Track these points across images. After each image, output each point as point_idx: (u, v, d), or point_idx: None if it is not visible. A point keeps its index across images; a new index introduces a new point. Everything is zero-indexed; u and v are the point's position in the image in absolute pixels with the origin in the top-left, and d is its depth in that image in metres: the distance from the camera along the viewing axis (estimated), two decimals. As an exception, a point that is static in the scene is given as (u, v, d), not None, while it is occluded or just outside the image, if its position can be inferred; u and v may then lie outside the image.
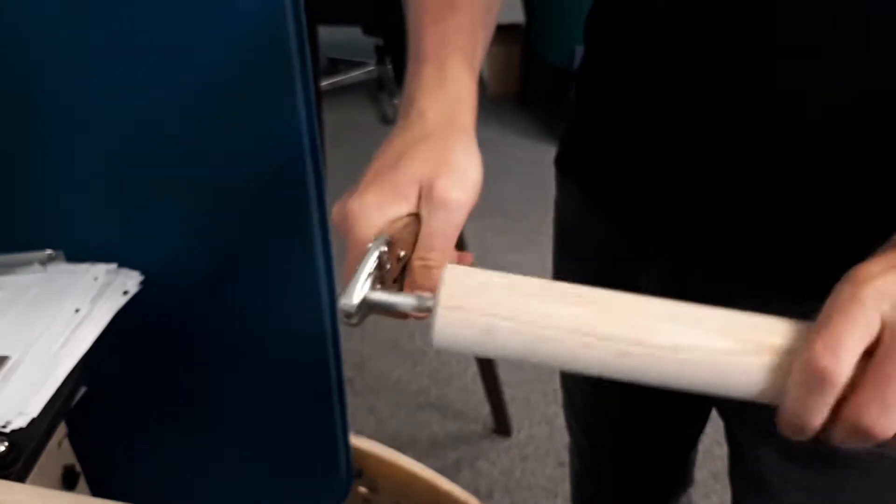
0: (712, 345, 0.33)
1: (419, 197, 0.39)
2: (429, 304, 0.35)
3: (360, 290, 0.35)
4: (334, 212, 0.40)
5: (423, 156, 0.40)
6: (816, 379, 0.31)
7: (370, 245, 0.36)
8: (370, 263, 0.36)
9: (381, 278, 0.37)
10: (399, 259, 0.39)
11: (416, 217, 0.39)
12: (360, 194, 0.39)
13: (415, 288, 0.38)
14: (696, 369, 0.34)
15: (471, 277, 0.34)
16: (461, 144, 0.41)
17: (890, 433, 0.31)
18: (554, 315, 0.33)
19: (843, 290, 0.32)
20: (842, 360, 0.30)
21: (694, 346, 0.33)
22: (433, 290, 0.37)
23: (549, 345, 0.33)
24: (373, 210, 0.38)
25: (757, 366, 0.33)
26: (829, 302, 0.32)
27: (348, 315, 0.35)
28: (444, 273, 0.34)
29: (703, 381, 0.34)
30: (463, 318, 0.33)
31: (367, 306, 0.36)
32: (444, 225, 0.38)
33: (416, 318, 0.38)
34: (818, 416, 0.32)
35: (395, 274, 0.39)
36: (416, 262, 0.38)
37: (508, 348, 0.33)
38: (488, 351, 0.34)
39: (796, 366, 0.32)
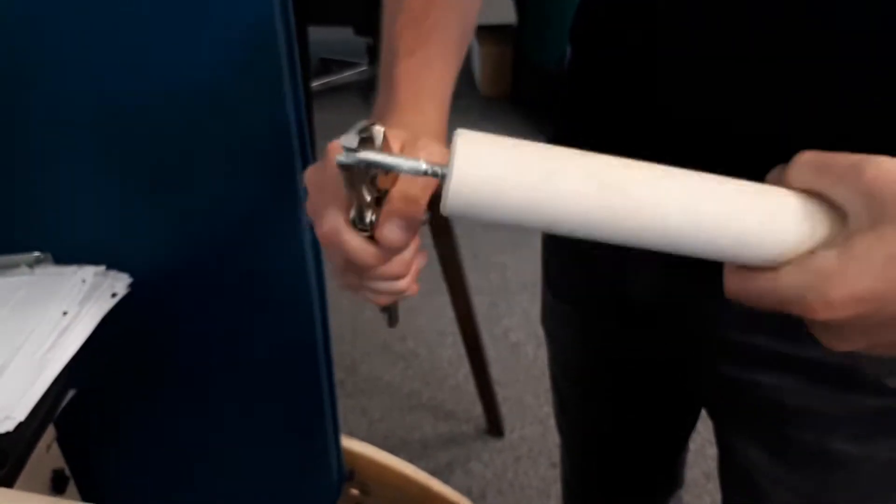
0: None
1: (402, 150, 0.40)
2: (426, 167, 0.35)
3: (355, 135, 0.35)
4: (309, 171, 0.40)
5: (404, 129, 0.41)
6: (812, 303, 0.32)
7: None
8: (362, 124, 0.35)
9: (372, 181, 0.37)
10: (378, 203, 0.38)
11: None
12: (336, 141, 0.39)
13: (391, 213, 0.38)
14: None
15: (486, 138, 0.34)
16: (437, 154, 0.42)
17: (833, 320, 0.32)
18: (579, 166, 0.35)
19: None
20: (844, 310, 0.31)
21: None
22: (409, 215, 0.38)
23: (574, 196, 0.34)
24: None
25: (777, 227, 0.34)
26: (868, 201, 0.32)
27: (348, 152, 0.34)
28: (457, 136, 0.34)
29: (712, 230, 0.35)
30: (484, 170, 0.33)
31: (365, 163, 0.35)
32: (429, 146, 0.39)
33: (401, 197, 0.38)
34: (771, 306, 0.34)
35: (373, 191, 0.38)
36: (395, 193, 0.38)
37: (530, 200, 0.34)
38: (509, 207, 0.34)
39: (806, 269, 0.33)
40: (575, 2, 0.61)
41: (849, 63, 0.43)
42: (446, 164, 0.34)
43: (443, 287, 1.37)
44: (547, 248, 0.71)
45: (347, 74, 3.20)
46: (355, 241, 0.39)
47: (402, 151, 0.39)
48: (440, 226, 1.26)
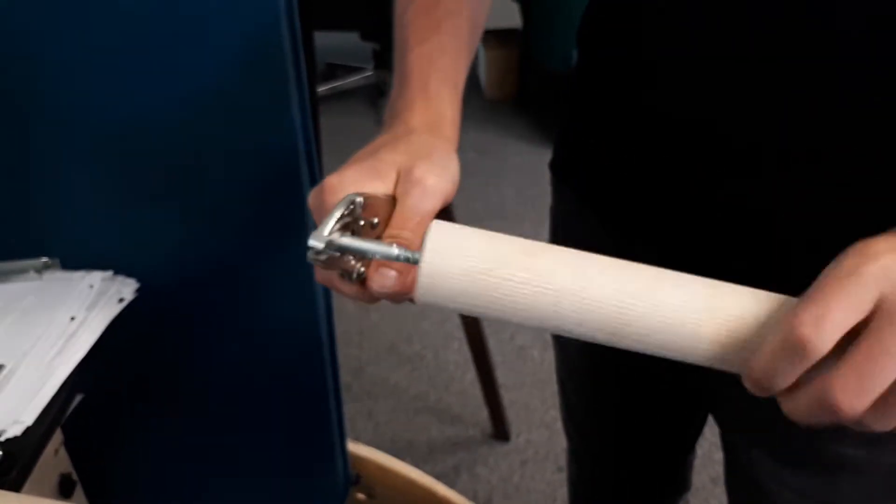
0: (682, 303, 0.34)
1: (397, 181, 0.40)
2: (398, 252, 0.36)
3: (330, 227, 0.35)
4: (311, 195, 0.40)
5: (404, 148, 0.41)
6: (794, 346, 0.31)
7: (345, 196, 0.37)
8: (343, 206, 0.36)
9: (353, 230, 0.37)
10: (372, 227, 0.39)
11: (392, 199, 0.40)
12: (338, 172, 0.39)
13: (380, 266, 0.38)
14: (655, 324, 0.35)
15: (457, 230, 0.35)
16: (442, 147, 0.42)
17: (855, 414, 0.31)
18: (541, 270, 0.35)
19: (844, 262, 0.31)
20: (824, 333, 0.30)
21: (664, 304, 0.34)
22: (398, 269, 0.38)
23: (534, 298, 0.34)
24: (349, 184, 0.38)
25: (726, 329, 0.34)
26: (826, 271, 0.32)
27: (317, 252, 0.35)
28: (430, 226, 0.35)
29: (662, 337, 0.35)
30: (449, 266, 0.34)
31: (338, 248, 0.36)
32: (419, 203, 0.39)
33: (380, 279, 0.38)
34: (786, 380, 0.32)
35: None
36: (386, 238, 0.38)
37: (492, 297, 0.35)
38: (475, 300, 0.35)
39: (777, 328, 0.32)
40: (580, 5, 0.61)
41: (847, 63, 0.43)
42: (418, 247, 0.36)
43: (449, 291, 1.37)
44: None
45: (353, 79, 3.20)
46: (349, 289, 0.39)
47: (397, 184, 0.40)
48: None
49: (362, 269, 0.39)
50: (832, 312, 0.30)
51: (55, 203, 0.62)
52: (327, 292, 0.72)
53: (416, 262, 0.36)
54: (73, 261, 0.62)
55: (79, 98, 0.58)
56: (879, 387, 0.30)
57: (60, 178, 0.61)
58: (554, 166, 0.67)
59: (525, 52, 3.08)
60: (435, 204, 0.39)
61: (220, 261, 0.67)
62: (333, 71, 3.23)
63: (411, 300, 0.40)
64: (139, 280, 0.62)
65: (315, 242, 0.35)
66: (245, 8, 0.55)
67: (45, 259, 0.61)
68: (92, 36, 0.55)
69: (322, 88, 3.03)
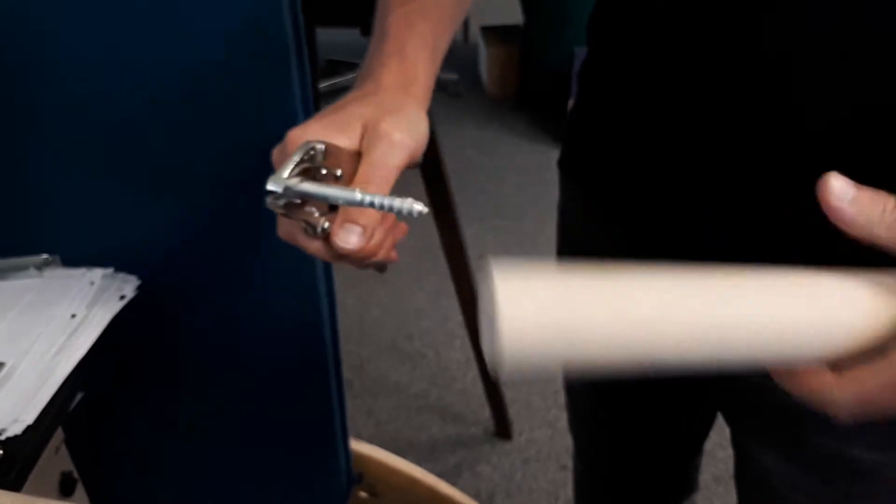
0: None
1: (363, 135, 0.39)
2: (360, 197, 0.34)
3: (288, 171, 0.34)
4: (274, 150, 0.39)
5: (372, 102, 0.40)
6: (821, 408, 0.33)
7: (305, 140, 0.35)
8: (301, 151, 0.35)
9: (316, 179, 0.36)
10: (336, 179, 0.38)
11: (357, 154, 0.39)
12: (302, 125, 0.38)
13: (345, 220, 0.37)
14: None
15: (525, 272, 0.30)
16: (411, 105, 0.41)
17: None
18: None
19: None
20: (854, 418, 0.32)
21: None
22: (364, 224, 0.36)
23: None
24: (312, 136, 0.37)
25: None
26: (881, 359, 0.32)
27: (276, 197, 0.34)
28: (495, 281, 0.29)
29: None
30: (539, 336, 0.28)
31: (297, 193, 0.35)
32: (384, 158, 0.38)
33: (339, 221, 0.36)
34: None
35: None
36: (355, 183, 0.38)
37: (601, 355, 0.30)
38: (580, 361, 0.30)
39: (818, 389, 0.33)
40: (582, 2, 0.60)
41: (861, 60, 0.42)
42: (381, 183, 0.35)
43: (451, 289, 1.36)
44: (560, 250, 0.71)
45: (354, 76, 3.19)
46: (313, 246, 0.38)
47: (363, 137, 0.38)
48: (447, 226, 1.26)
49: (326, 224, 0.37)
50: (872, 409, 0.32)
51: (55, 200, 0.62)
52: (330, 289, 0.72)
53: (380, 208, 0.34)
54: (74, 258, 0.62)
55: (79, 94, 0.57)
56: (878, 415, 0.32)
57: (61, 175, 0.61)
58: (562, 163, 0.66)
59: (526, 50, 3.08)
60: (401, 159, 0.38)
61: (222, 258, 0.67)
62: (334, 67, 3.22)
63: (378, 268, 0.38)
64: (140, 277, 0.61)
65: (273, 186, 0.34)
66: (248, 4, 0.55)
67: (45, 256, 0.61)
68: (92, 31, 0.54)
69: (323, 85, 3.02)
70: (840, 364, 0.33)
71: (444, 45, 0.48)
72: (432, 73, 0.45)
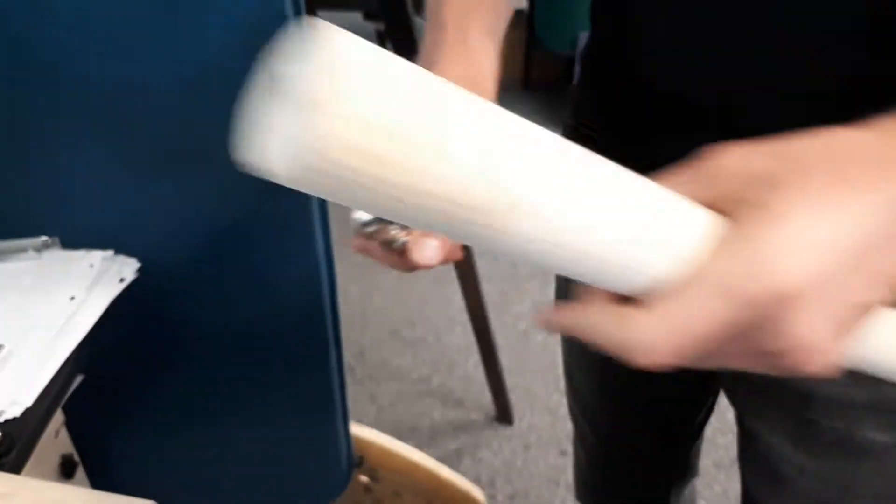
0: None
1: None
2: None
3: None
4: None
5: None
6: (624, 353, 0.27)
7: None
8: None
9: None
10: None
11: None
12: None
13: (422, 236, 0.37)
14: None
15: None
16: None
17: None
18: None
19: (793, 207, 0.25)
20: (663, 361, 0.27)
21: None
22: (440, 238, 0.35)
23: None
24: None
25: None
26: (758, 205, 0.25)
27: (364, 224, 0.34)
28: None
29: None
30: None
31: (381, 219, 0.34)
32: None
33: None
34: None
35: None
36: None
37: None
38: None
39: (618, 324, 0.27)
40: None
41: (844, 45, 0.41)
42: None
43: (452, 275, 1.36)
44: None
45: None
46: (390, 259, 0.38)
47: None
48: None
49: (405, 238, 0.38)
50: (688, 345, 0.26)
51: (55, 181, 0.61)
52: (331, 275, 0.71)
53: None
54: (73, 240, 0.61)
55: (80, 78, 0.56)
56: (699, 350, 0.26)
57: (60, 157, 0.60)
58: None
59: (531, 35, 3.06)
60: None
61: (222, 241, 0.66)
62: (337, 52, 3.20)
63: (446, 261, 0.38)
64: (140, 260, 0.61)
65: (361, 214, 0.34)
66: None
67: (44, 238, 0.61)
68: (94, 15, 0.54)
69: (326, 70, 3.01)
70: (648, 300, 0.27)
71: (503, 28, 0.46)
72: (497, 61, 0.44)
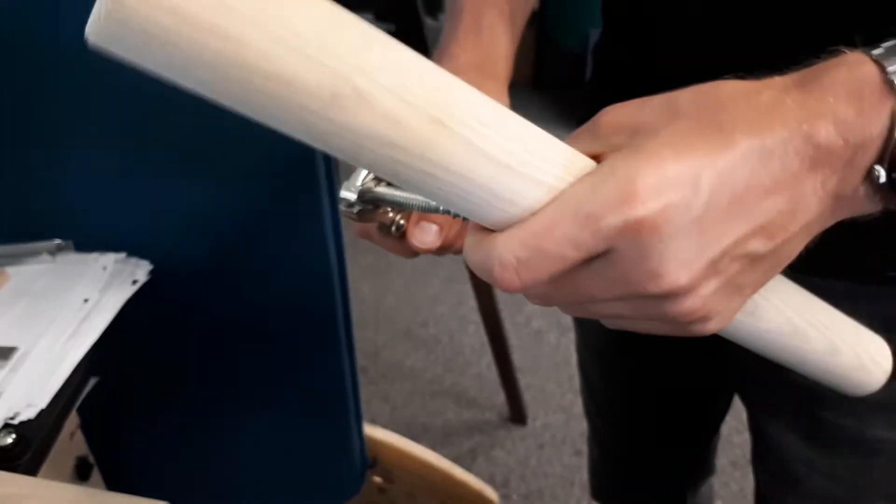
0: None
1: None
2: (437, 203, 0.29)
3: (362, 178, 0.33)
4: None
5: None
6: (487, 276, 0.26)
7: None
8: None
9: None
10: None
11: None
12: None
13: (421, 219, 0.36)
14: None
15: None
16: (489, 86, 0.40)
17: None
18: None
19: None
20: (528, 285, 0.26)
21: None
22: (440, 222, 0.34)
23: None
24: None
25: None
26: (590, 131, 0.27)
27: (349, 204, 0.33)
28: None
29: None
30: None
31: (372, 199, 0.34)
32: None
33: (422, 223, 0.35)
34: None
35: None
36: None
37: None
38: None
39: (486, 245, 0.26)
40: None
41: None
42: None
43: (465, 274, 1.36)
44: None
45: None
46: (389, 244, 0.38)
47: None
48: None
49: (402, 221, 0.36)
50: (543, 263, 0.25)
51: (68, 185, 0.62)
52: (343, 275, 0.71)
53: (456, 216, 0.31)
54: (87, 243, 0.62)
55: (93, 80, 0.57)
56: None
57: (74, 161, 0.60)
58: None
59: (542, 33, 3.05)
60: None
61: (233, 243, 0.66)
62: (348, 53, 3.21)
63: (457, 252, 0.37)
64: (152, 262, 0.61)
65: (347, 193, 0.33)
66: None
67: (58, 241, 0.61)
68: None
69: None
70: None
71: (525, 13, 0.46)
72: (511, 44, 0.43)
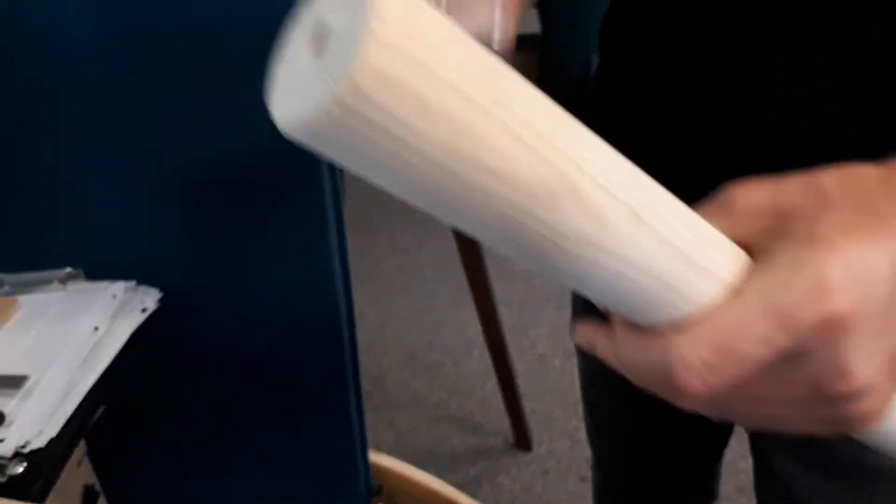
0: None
1: None
2: None
3: None
4: None
5: None
6: (667, 385, 0.25)
7: None
8: None
9: None
10: None
11: None
12: None
13: None
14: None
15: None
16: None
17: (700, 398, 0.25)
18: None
19: (799, 247, 0.24)
20: (714, 387, 0.25)
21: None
22: None
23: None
24: None
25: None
26: (780, 260, 0.24)
27: None
28: None
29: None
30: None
31: None
32: None
33: None
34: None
35: None
36: None
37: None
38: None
39: (658, 345, 0.25)
40: (599, 10, 0.60)
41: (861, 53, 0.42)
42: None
43: (469, 298, 1.36)
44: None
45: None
46: None
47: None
48: (464, 236, 1.26)
49: None
50: (733, 365, 0.24)
51: (79, 214, 0.63)
52: (349, 300, 0.72)
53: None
54: (97, 271, 0.62)
55: (101, 106, 0.58)
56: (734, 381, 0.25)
57: (84, 190, 0.61)
58: None
59: (544, 58, 3.08)
60: None
61: (242, 269, 0.67)
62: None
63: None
64: (162, 290, 0.62)
65: None
66: (265, 7, 0.55)
67: (68, 269, 0.62)
68: (113, 45, 0.55)
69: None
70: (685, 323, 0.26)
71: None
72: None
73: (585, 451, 1.56)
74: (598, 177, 0.22)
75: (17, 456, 0.45)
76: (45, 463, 0.46)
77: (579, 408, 1.64)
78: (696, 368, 0.24)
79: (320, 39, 0.19)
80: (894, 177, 0.26)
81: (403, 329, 1.91)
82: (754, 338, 0.24)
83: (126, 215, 0.63)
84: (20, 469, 0.45)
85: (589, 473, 1.38)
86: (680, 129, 0.51)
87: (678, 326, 0.25)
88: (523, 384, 1.56)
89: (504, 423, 1.58)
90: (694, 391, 0.24)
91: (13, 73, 0.56)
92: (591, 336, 0.30)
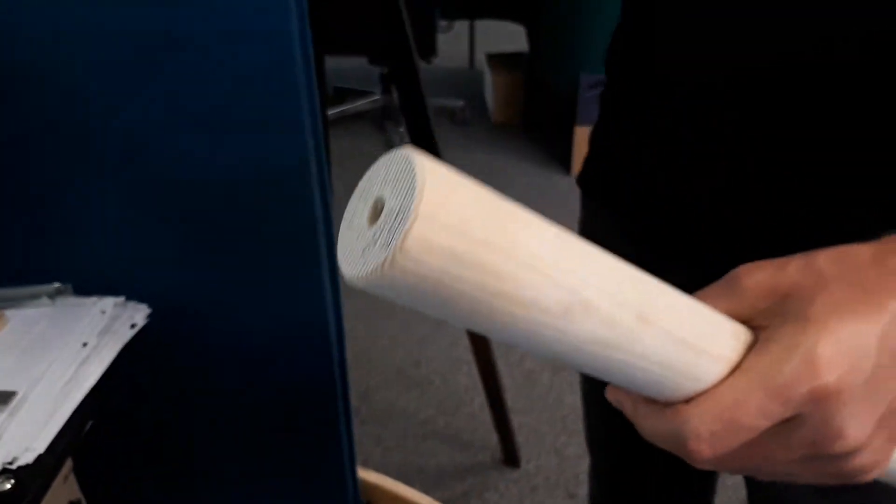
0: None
1: None
2: None
3: None
4: None
5: None
6: (680, 449, 0.29)
7: None
8: None
9: None
10: None
11: None
12: None
13: None
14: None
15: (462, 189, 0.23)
16: None
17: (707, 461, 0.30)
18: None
19: (791, 328, 0.28)
20: (720, 452, 0.29)
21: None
22: None
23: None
24: None
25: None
26: (772, 340, 0.29)
27: None
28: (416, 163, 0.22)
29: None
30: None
31: None
32: None
33: None
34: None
35: None
36: None
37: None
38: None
39: (672, 418, 0.29)
40: (586, 29, 0.61)
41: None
42: None
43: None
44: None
45: (361, 103, 3.23)
46: None
47: None
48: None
49: None
50: (737, 434, 0.28)
51: (67, 229, 0.63)
52: (338, 317, 0.72)
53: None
54: (86, 286, 0.62)
55: (91, 123, 0.58)
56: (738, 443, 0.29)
57: (72, 205, 0.62)
58: (583, 182, 0.67)
59: (531, 76, 3.10)
60: None
61: (232, 287, 0.67)
62: (342, 95, 3.25)
63: None
64: (151, 306, 0.62)
65: None
66: (259, 35, 0.56)
67: (57, 285, 0.62)
68: (103, 62, 0.56)
69: (331, 112, 3.05)
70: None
71: None
72: None
73: (573, 468, 1.56)
74: (603, 287, 0.26)
75: (5, 472, 0.45)
76: (32, 479, 0.46)
77: (567, 423, 1.64)
78: (704, 438, 0.28)
79: (377, 209, 0.24)
80: (886, 256, 0.30)
81: (392, 346, 1.91)
82: (755, 410, 0.28)
83: (115, 230, 0.63)
84: (7, 486, 0.44)
85: (577, 490, 1.38)
86: (680, 129, 0.52)
87: (688, 401, 0.29)
88: (511, 400, 1.56)
89: (492, 439, 1.57)
90: (704, 457, 0.29)
91: (1, 90, 0.56)
92: (619, 399, 0.35)
